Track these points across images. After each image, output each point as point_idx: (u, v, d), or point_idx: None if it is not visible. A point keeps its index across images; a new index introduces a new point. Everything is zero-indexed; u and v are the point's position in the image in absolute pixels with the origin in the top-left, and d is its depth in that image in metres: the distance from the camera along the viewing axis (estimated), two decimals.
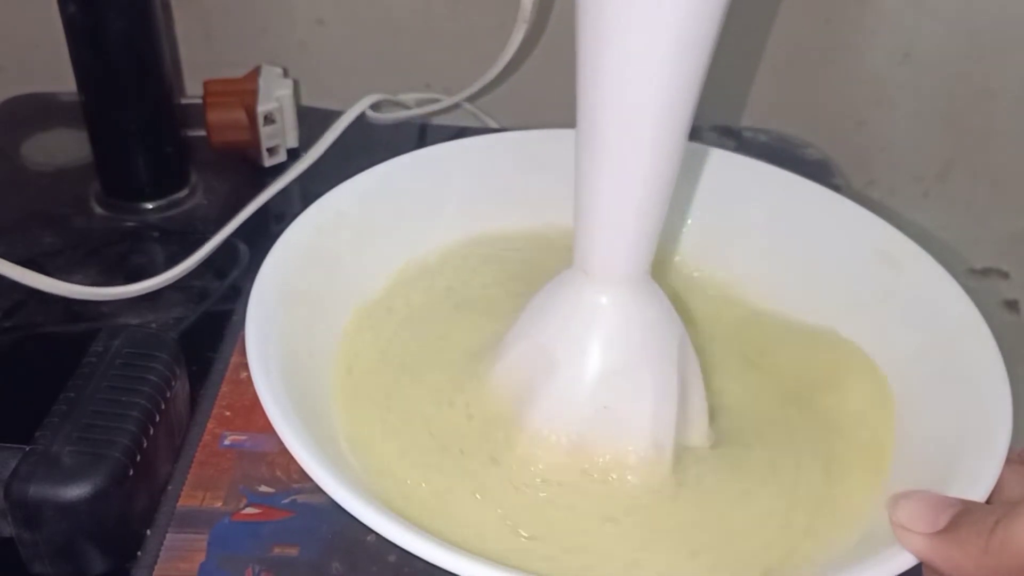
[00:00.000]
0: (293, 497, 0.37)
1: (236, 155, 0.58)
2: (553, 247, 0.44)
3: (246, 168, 0.58)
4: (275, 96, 0.57)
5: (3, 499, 0.34)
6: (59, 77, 0.54)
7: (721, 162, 0.45)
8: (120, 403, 0.36)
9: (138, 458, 0.35)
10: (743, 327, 0.42)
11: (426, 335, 0.40)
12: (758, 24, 0.61)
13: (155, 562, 0.35)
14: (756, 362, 0.40)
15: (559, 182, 0.44)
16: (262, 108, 0.56)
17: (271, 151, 0.58)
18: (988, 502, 0.30)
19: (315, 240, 0.39)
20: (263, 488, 0.37)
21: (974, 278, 0.68)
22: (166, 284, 0.49)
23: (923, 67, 0.61)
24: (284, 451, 0.30)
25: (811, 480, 0.35)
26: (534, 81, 0.63)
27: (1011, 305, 0.69)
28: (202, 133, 0.57)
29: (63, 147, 0.58)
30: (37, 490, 0.34)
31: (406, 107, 0.63)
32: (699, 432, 0.36)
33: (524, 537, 0.32)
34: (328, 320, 0.39)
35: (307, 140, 0.59)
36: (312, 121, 0.60)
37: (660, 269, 0.43)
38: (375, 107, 0.61)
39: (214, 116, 0.57)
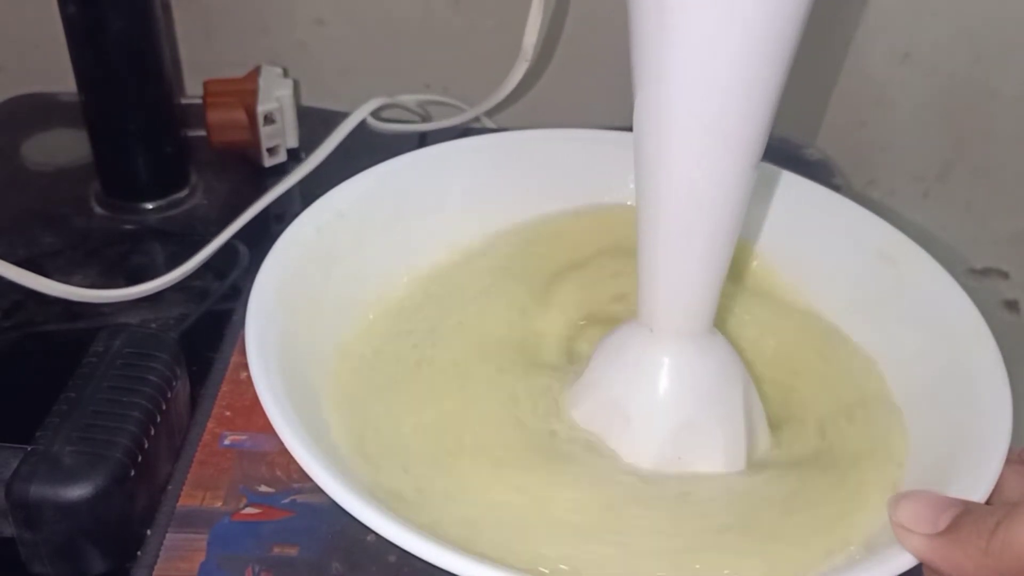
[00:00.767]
0: (293, 497, 0.37)
1: (236, 155, 0.58)
2: (554, 247, 0.44)
3: (246, 168, 0.58)
4: (275, 96, 0.57)
5: (4, 499, 0.34)
6: (59, 77, 0.54)
7: None
8: (121, 403, 0.36)
9: (139, 458, 0.35)
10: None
11: (428, 336, 0.39)
12: None
13: (155, 562, 0.35)
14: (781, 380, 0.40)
15: (559, 182, 0.45)
16: (262, 108, 0.56)
17: (271, 151, 0.58)
18: (988, 502, 0.30)
19: (315, 240, 0.39)
20: (263, 488, 0.37)
21: (974, 278, 0.68)
22: (167, 286, 0.49)
23: (923, 67, 0.61)
24: (284, 451, 0.30)
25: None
26: (541, 99, 0.63)
27: (1011, 305, 0.69)
28: (202, 133, 0.57)
29: (63, 147, 0.58)
30: (38, 490, 0.34)
31: (408, 109, 0.63)
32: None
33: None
34: (328, 320, 0.39)
35: (307, 140, 0.58)
36: (312, 121, 0.59)
37: None
38: (377, 115, 0.61)
39: (214, 116, 0.57)
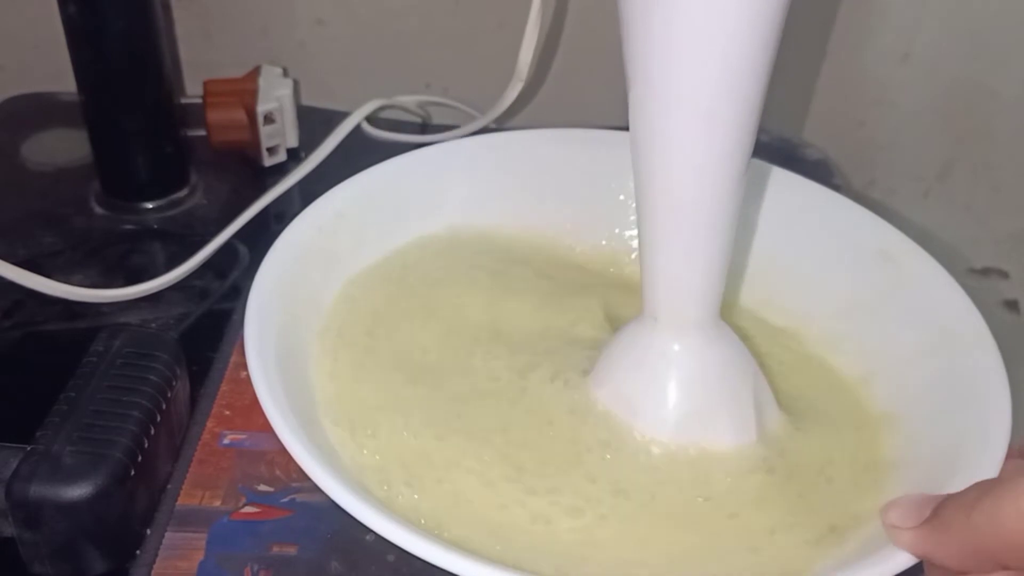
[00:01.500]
0: (292, 496, 0.37)
1: (236, 155, 0.58)
2: (554, 245, 0.44)
3: (246, 168, 0.58)
4: (275, 96, 0.57)
5: (4, 499, 0.34)
6: (59, 77, 0.54)
7: None
8: (121, 403, 0.36)
9: (139, 458, 0.35)
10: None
11: (427, 335, 0.40)
12: None
13: (154, 560, 0.35)
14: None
15: (559, 181, 0.45)
16: (262, 108, 0.56)
17: (271, 151, 0.58)
18: None
19: (314, 240, 0.39)
20: (262, 487, 0.37)
21: (974, 278, 0.68)
22: (166, 286, 0.49)
23: (923, 67, 0.61)
24: (283, 450, 0.30)
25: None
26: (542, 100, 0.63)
27: (1011, 305, 0.69)
28: (202, 133, 0.57)
29: (63, 147, 0.58)
30: (38, 490, 0.34)
31: (408, 110, 0.63)
32: None
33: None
34: (328, 320, 0.39)
35: (307, 140, 0.59)
36: (312, 121, 0.60)
37: None
38: (377, 116, 0.61)
39: (214, 116, 0.57)
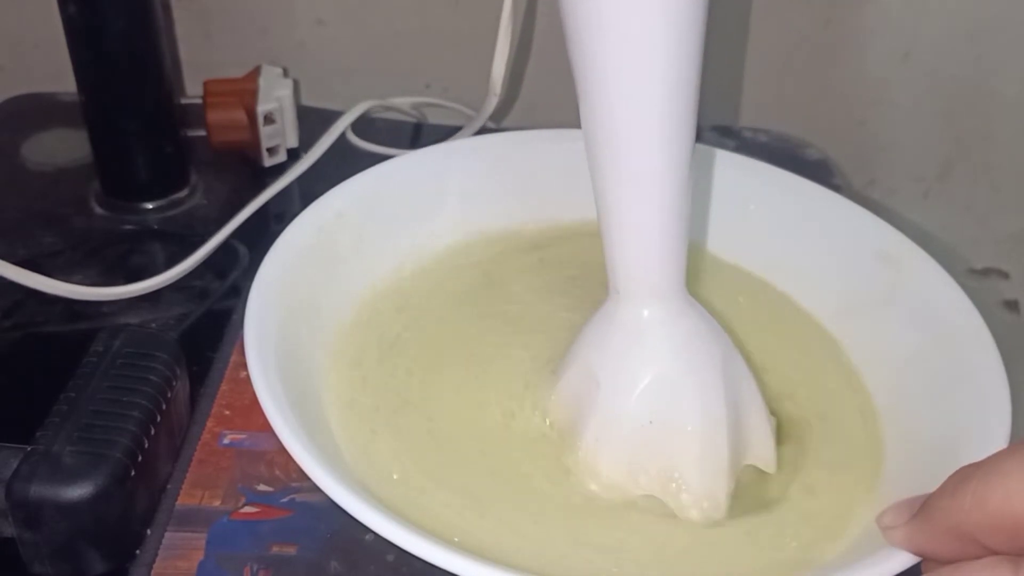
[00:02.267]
0: (292, 496, 0.37)
1: (236, 155, 0.58)
2: (554, 246, 0.44)
3: (246, 168, 0.58)
4: (275, 96, 0.57)
5: (4, 499, 0.34)
6: (59, 77, 0.54)
7: (721, 162, 0.45)
8: (121, 403, 0.36)
9: (139, 458, 0.35)
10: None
11: (428, 336, 0.40)
12: (758, 24, 0.61)
13: (154, 560, 0.35)
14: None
15: (559, 181, 0.45)
16: (262, 108, 0.56)
17: (271, 151, 0.58)
18: None
19: (314, 240, 0.39)
20: (262, 487, 0.37)
21: (974, 278, 0.68)
22: (166, 284, 0.49)
23: (923, 67, 0.61)
24: (283, 450, 0.30)
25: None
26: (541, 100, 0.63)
27: (1011, 305, 0.69)
28: (202, 133, 0.57)
29: (63, 147, 0.58)
30: (38, 490, 0.34)
31: (403, 112, 0.63)
32: (763, 454, 0.35)
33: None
34: (328, 320, 0.39)
35: (307, 140, 0.59)
36: (312, 121, 0.59)
37: None
38: (372, 115, 0.61)
39: (214, 116, 0.57)
